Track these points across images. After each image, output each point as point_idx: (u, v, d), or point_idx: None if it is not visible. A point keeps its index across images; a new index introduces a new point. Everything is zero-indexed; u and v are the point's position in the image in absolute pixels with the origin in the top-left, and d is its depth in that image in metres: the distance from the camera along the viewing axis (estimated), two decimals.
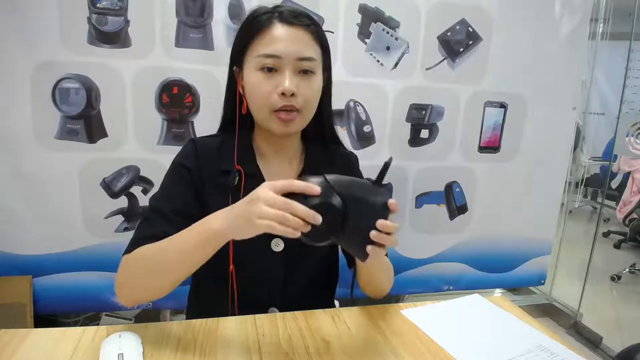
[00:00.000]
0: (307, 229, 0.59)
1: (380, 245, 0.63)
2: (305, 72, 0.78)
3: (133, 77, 1.42)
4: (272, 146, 0.86)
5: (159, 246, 0.71)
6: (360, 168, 0.98)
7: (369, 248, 0.63)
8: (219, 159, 0.83)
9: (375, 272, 0.82)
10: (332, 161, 0.91)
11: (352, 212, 0.62)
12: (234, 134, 0.85)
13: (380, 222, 0.62)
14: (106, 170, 1.47)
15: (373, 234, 0.62)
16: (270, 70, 0.76)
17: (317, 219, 0.59)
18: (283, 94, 0.75)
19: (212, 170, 0.83)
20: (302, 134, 0.90)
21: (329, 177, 0.63)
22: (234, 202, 0.80)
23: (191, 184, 0.82)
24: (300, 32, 0.77)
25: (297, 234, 0.59)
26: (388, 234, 0.62)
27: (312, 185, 0.60)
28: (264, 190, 0.61)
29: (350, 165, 0.95)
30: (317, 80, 0.80)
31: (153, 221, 0.78)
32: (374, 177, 0.66)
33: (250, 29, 0.78)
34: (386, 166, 0.65)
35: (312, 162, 0.89)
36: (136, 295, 0.76)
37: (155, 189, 1.50)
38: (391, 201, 0.63)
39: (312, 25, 0.79)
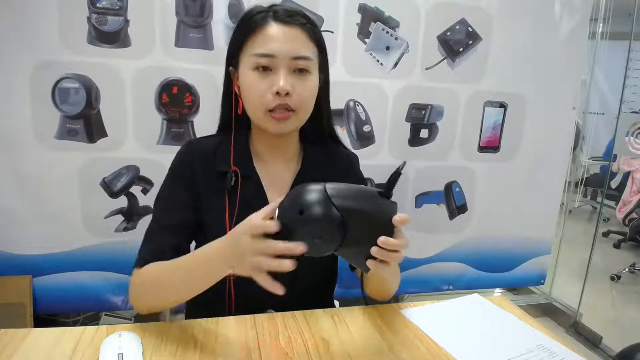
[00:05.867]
0: (294, 263, 0.57)
1: (384, 262, 0.60)
2: (301, 72, 0.77)
3: (133, 77, 1.42)
4: (269, 147, 0.86)
5: (168, 268, 0.72)
6: (361, 168, 0.98)
7: (369, 263, 0.60)
8: (216, 161, 0.83)
9: (380, 280, 0.80)
10: (331, 162, 0.90)
11: (351, 226, 0.57)
12: (232, 135, 0.84)
13: (382, 239, 0.58)
14: (106, 170, 1.47)
15: (374, 250, 0.58)
16: (265, 69, 0.75)
17: (300, 250, 0.56)
18: (278, 93, 0.75)
19: (209, 172, 0.82)
20: (301, 135, 0.89)
21: (329, 186, 0.58)
22: (230, 204, 0.80)
23: (191, 190, 0.82)
24: (296, 31, 0.76)
25: (290, 268, 0.57)
26: (393, 250, 0.59)
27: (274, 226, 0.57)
28: (246, 240, 0.59)
29: (350, 166, 0.94)
30: (313, 80, 0.79)
31: (162, 235, 0.79)
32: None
33: (245, 29, 0.78)
34: (397, 175, 0.60)
35: (310, 163, 0.88)
36: (150, 307, 0.77)
37: (155, 189, 1.51)
38: (397, 217, 0.59)
39: (308, 24, 0.78)
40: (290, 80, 0.75)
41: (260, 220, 0.59)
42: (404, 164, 0.61)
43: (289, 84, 0.75)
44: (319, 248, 0.59)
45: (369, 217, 0.59)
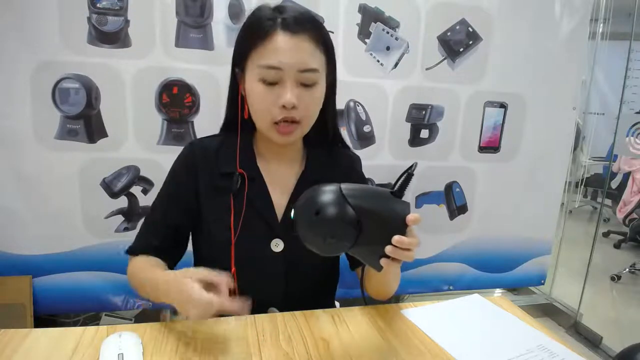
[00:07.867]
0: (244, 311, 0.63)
1: (396, 260, 0.62)
2: (307, 84, 0.76)
3: (133, 77, 1.42)
4: (273, 149, 0.86)
5: (142, 273, 0.79)
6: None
7: (383, 261, 0.61)
8: (218, 161, 0.83)
9: (382, 280, 0.81)
10: (334, 163, 0.90)
11: (365, 225, 0.59)
12: (235, 134, 0.84)
13: (396, 238, 0.59)
14: (106, 170, 1.47)
15: (388, 249, 0.60)
16: (271, 82, 0.75)
17: (243, 311, 0.62)
18: (284, 106, 0.74)
19: (211, 172, 0.82)
20: (304, 137, 0.89)
21: (344, 186, 0.60)
22: (235, 204, 0.80)
23: (190, 193, 0.83)
24: (304, 42, 0.75)
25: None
26: (406, 249, 0.60)
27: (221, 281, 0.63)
28: (194, 312, 0.63)
29: (352, 166, 0.94)
30: (320, 90, 0.79)
31: (148, 232, 0.86)
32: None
33: (252, 35, 0.76)
34: (409, 176, 0.61)
35: (313, 164, 0.88)
36: (140, 294, 0.82)
37: (155, 189, 1.51)
38: (410, 216, 0.61)
39: (316, 29, 0.77)
40: (297, 92, 0.75)
41: (205, 296, 0.62)
42: (415, 164, 0.62)
43: (294, 97, 0.74)
44: (334, 247, 0.60)
45: (383, 216, 0.60)
